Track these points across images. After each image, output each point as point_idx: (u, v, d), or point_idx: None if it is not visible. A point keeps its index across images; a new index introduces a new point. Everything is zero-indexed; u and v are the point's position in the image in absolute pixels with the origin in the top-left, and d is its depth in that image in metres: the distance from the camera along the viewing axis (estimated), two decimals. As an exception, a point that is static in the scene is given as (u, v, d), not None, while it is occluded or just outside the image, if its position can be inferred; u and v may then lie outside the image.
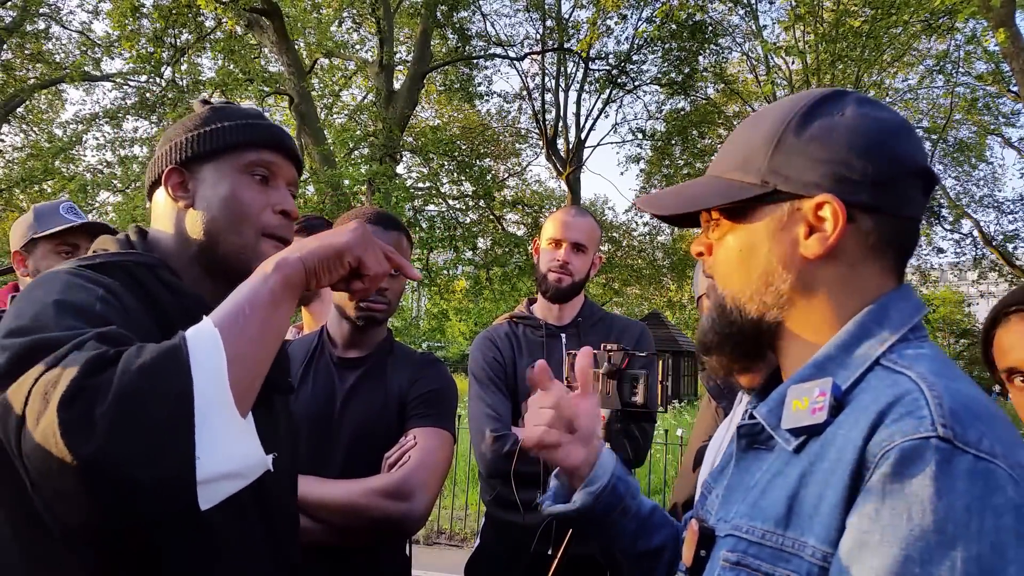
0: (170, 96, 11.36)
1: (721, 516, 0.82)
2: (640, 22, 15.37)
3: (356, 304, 1.64)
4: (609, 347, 1.84)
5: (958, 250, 18.28)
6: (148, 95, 13.05)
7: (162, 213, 1.09)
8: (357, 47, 15.37)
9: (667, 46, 15.43)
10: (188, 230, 1.06)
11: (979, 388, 0.72)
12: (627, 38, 15.89)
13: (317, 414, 1.63)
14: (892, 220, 0.77)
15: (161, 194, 1.09)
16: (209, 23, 12.11)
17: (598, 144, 26.90)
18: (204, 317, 0.84)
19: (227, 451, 0.75)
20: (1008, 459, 0.62)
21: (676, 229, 20.96)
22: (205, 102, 1.14)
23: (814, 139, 0.77)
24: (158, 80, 12.23)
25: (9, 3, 13.29)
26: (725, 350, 0.86)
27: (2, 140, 16.31)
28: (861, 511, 0.64)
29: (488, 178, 15.42)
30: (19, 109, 16.28)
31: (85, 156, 17.49)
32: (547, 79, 17.23)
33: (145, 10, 10.78)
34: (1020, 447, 0.65)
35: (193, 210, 1.06)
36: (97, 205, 14.48)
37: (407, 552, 1.77)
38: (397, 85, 13.70)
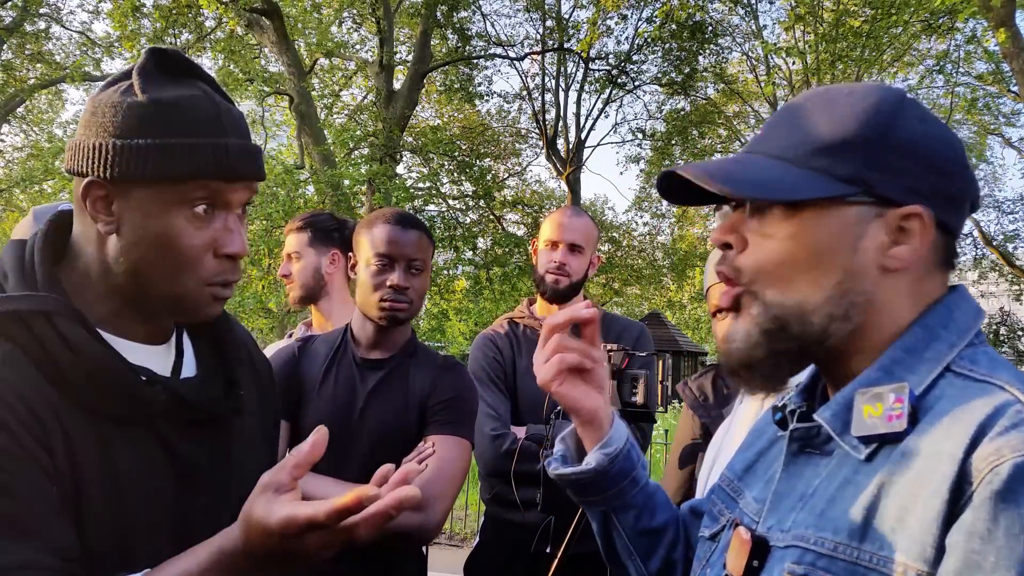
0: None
1: (773, 524, 0.76)
2: (640, 22, 15.37)
3: (378, 304, 1.64)
4: (609, 347, 1.84)
5: (958, 250, 18.26)
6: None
7: (82, 217, 0.90)
8: (357, 47, 15.39)
9: (667, 46, 15.42)
10: (110, 260, 0.88)
11: None
12: (627, 38, 15.90)
13: (338, 414, 1.62)
14: (951, 239, 0.75)
15: (80, 193, 0.90)
16: (209, 23, 12.11)
17: (598, 144, 26.90)
18: (130, 384, 0.82)
19: None
20: None
21: (676, 229, 20.99)
22: (144, 74, 0.88)
23: (913, 143, 0.72)
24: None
25: (9, 3, 13.29)
26: (779, 367, 0.76)
27: (2, 140, 16.34)
28: (970, 530, 0.59)
29: (488, 178, 15.42)
30: (19, 109, 16.29)
31: (85, 156, 17.45)
32: (547, 79, 17.25)
33: (146, 10, 10.78)
34: None
35: (117, 239, 0.87)
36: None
37: (424, 551, 1.77)
38: (397, 85, 13.70)
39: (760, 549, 0.75)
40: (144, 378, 0.89)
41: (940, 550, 0.61)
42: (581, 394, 0.93)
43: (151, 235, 0.87)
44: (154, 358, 0.94)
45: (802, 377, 0.85)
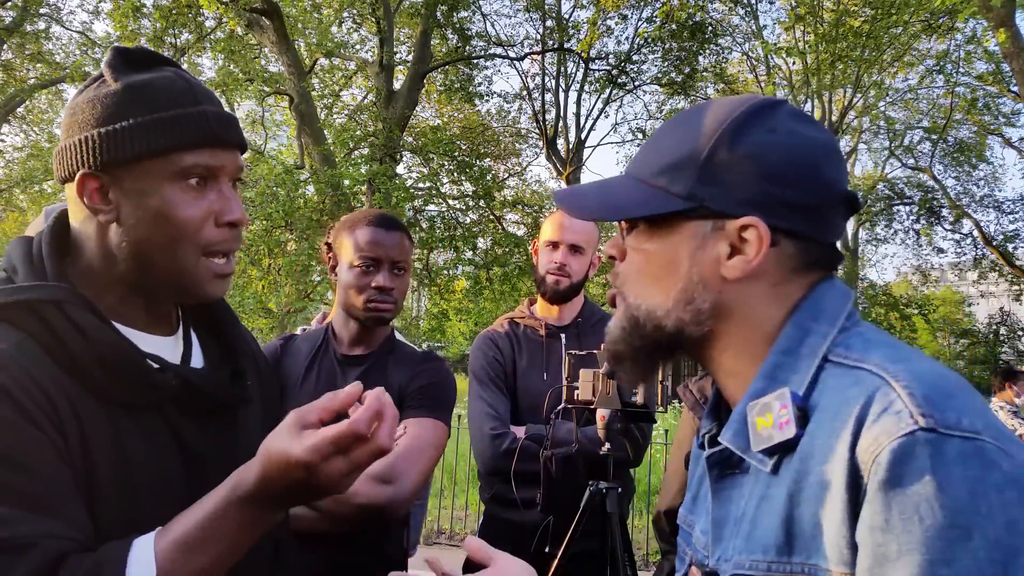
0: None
1: (720, 555, 0.77)
2: (640, 22, 15.37)
3: (363, 305, 1.68)
4: (609, 347, 1.83)
5: (958, 250, 18.25)
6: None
7: (79, 218, 0.92)
8: (357, 47, 15.37)
9: (667, 46, 15.41)
10: (113, 248, 0.90)
11: (930, 359, 0.72)
12: (627, 38, 15.90)
13: None
14: (815, 245, 0.76)
15: (73, 191, 0.91)
16: (209, 23, 12.11)
17: (598, 144, 26.97)
18: (141, 369, 0.84)
19: None
20: (989, 431, 0.61)
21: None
22: (113, 67, 0.91)
23: (746, 157, 0.74)
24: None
25: (9, 3, 13.29)
26: (639, 361, 0.83)
27: (2, 140, 16.32)
28: (870, 524, 0.61)
29: (488, 178, 15.40)
30: (19, 109, 16.29)
31: (85, 156, 17.44)
32: (547, 79, 17.24)
33: (146, 10, 10.78)
34: (988, 411, 0.65)
35: (118, 226, 0.89)
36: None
37: (404, 544, 1.78)
38: (397, 85, 13.69)
39: None
40: (155, 365, 0.91)
41: (854, 549, 0.63)
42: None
43: (150, 213, 0.88)
44: (164, 347, 0.96)
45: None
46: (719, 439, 0.77)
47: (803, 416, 0.69)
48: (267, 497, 0.81)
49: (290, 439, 0.79)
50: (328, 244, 1.83)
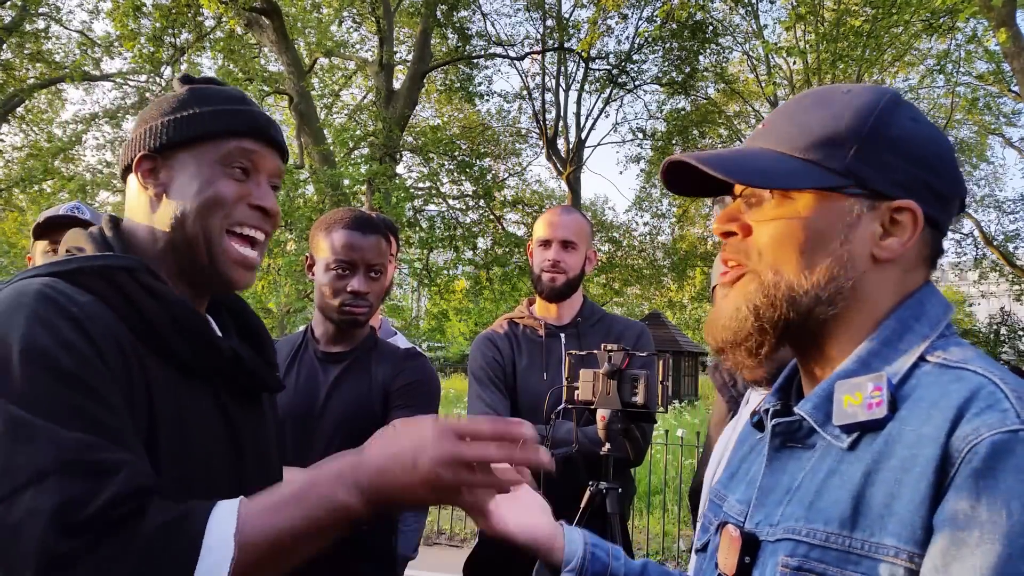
0: (161, 97, 11.36)
1: (761, 520, 0.77)
2: (641, 22, 15.38)
3: (338, 308, 1.69)
4: (609, 347, 1.83)
5: (959, 250, 18.27)
6: (148, 95, 13.05)
7: (134, 202, 1.02)
8: (357, 47, 15.38)
9: (667, 46, 15.42)
10: (157, 222, 0.99)
11: None
12: (627, 38, 15.91)
13: (301, 406, 1.68)
14: (939, 236, 0.79)
15: (133, 181, 1.02)
16: (209, 22, 12.10)
17: (598, 144, 27.00)
18: (208, 332, 0.86)
19: None
20: None
21: (676, 229, 20.97)
22: (186, 80, 1.06)
23: (904, 140, 0.75)
24: (158, 80, 12.22)
25: (9, 3, 13.28)
26: (763, 343, 0.79)
27: (2, 140, 16.31)
28: (953, 508, 0.62)
29: (488, 178, 15.41)
30: (19, 109, 16.28)
31: (85, 156, 17.52)
32: (547, 79, 17.24)
33: (146, 10, 10.77)
34: None
35: (165, 199, 0.98)
36: (97, 205, 14.48)
37: (391, 543, 1.78)
38: (397, 85, 13.69)
39: (750, 545, 0.76)
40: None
41: (929, 531, 0.63)
42: (519, 523, 0.98)
43: (194, 188, 0.98)
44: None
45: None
46: (796, 409, 0.78)
47: (892, 402, 0.70)
48: (375, 487, 0.81)
49: (431, 441, 0.80)
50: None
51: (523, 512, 1.00)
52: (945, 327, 0.76)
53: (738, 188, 0.82)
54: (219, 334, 1.04)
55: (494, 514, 0.95)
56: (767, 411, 0.83)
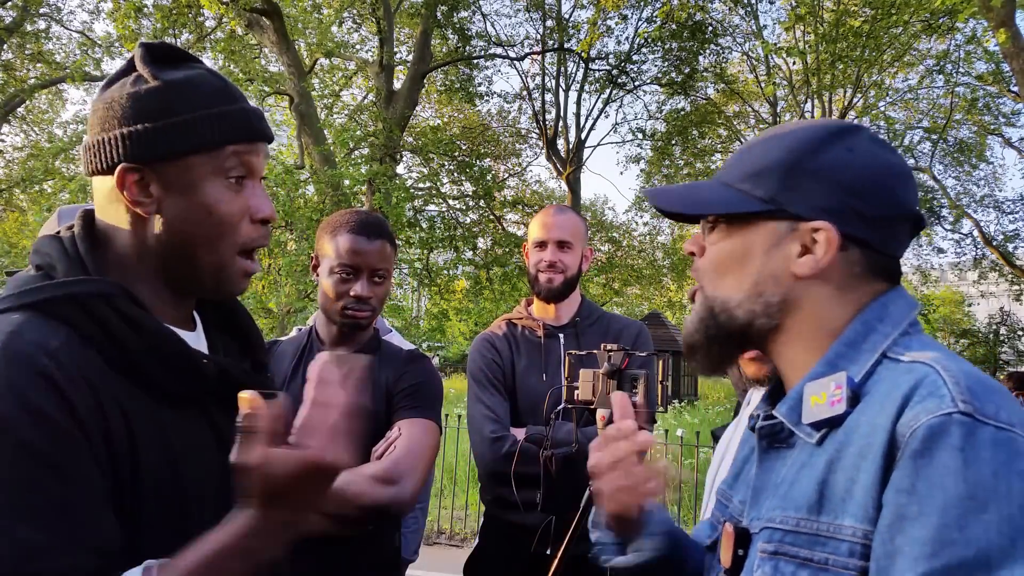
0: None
1: (754, 516, 0.85)
2: (640, 22, 15.37)
3: (341, 311, 1.70)
4: (609, 347, 1.84)
5: (958, 250, 18.25)
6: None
7: (113, 211, 0.93)
8: (357, 47, 15.36)
9: (667, 46, 15.41)
10: (150, 241, 0.91)
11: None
12: (627, 38, 15.90)
13: None
14: (877, 255, 0.84)
15: (106, 184, 0.92)
16: (209, 23, 12.10)
17: (598, 144, 26.92)
18: (191, 358, 0.84)
19: None
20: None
21: (676, 229, 20.97)
22: (148, 64, 0.92)
23: (825, 169, 0.83)
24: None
25: (9, 3, 13.29)
26: (712, 351, 0.90)
27: (2, 140, 16.32)
28: (897, 487, 0.68)
29: (488, 178, 15.40)
30: (19, 109, 16.28)
31: (85, 156, 17.43)
32: (547, 79, 17.24)
33: (146, 10, 10.77)
34: None
35: (159, 219, 0.90)
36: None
37: (396, 542, 1.79)
38: (397, 85, 13.69)
39: (742, 538, 0.85)
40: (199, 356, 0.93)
41: (879, 510, 0.70)
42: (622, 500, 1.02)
43: (193, 208, 0.90)
44: (192, 343, 0.97)
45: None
46: (774, 412, 0.85)
47: (854, 398, 0.77)
48: (262, 518, 0.79)
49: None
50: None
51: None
52: (909, 325, 0.82)
53: (711, 217, 0.91)
54: (204, 350, 1.00)
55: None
56: (760, 415, 0.90)
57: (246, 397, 0.77)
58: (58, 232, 0.95)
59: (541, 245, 2.22)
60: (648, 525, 1.01)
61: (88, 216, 0.97)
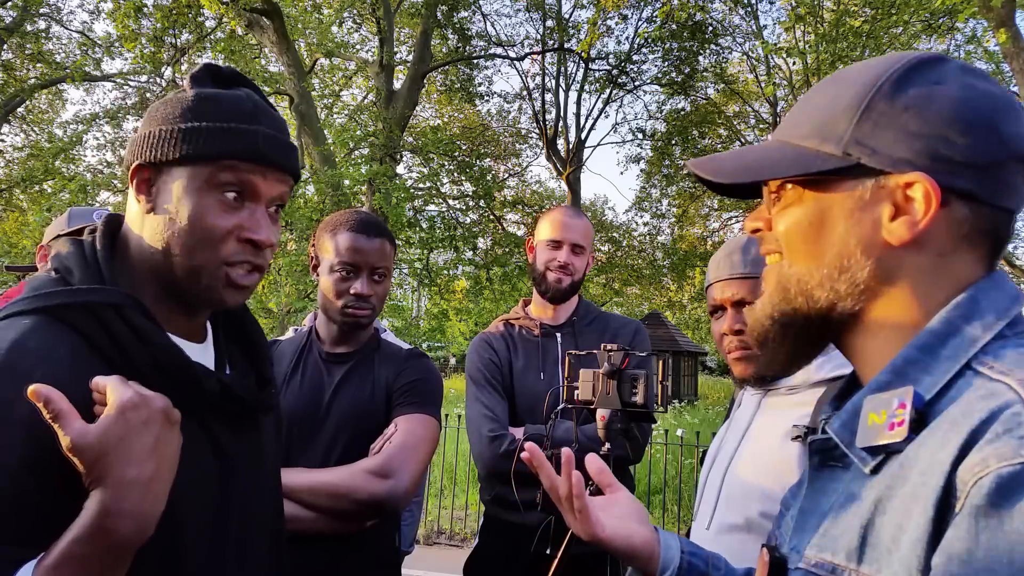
0: (170, 96, 11.36)
1: (795, 545, 0.73)
2: (640, 22, 15.40)
3: (341, 310, 1.70)
4: (608, 347, 1.84)
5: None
6: (148, 95, 13.06)
7: (131, 208, 0.97)
8: (357, 47, 15.38)
9: (667, 46, 15.43)
10: (147, 237, 0.93)
11: None
12: (627, 38, 15.98)
13: (306, 407, 1.69)
14: (988, 209, 0.67)
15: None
16: (209, 23, 12.11)
17: (598, 144, 26.95)
18: (192, 374, 0.85)
19: None
20: None
21: (676, 229, 20.97)
22: (196, 80, 0.96)
23: (909, 108, 0.67)
24: (158, 80, 12.24)
25: (9, 3, 13.29)
26: (784, 343, 0.74)
27: (2, 140, 16.33)
28: (949, 551, 0.54)
29: (488, 178, 15.42)
30: (19, 109, 16.29)
31: (85, 156, 17.55)
32: (547, 79, 17.26)
33: (147, 10, 10.78)
34: None
35: (153, 216, 0.93)
36: (97, 205, 14.48)
37: (396, 543, 1.79)
38: (397, 85, 13.69)
39: (777, 570, 0.73)
40: (202, 372, 0.93)
41: (926, 573, 0.56)
42: (616, 530, 0.96)
43: (181, 214, 0.91)
44: (198, 355, 0.98)
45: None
46: (825, 427, 0.71)
47: (920, 421, 0.62)
48: (108, 492, 0.76)
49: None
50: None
51: (620, 518, 0.97)
52: (1006, 326, 0.65)
53: (773, 184, 0.76)
54: (210, 363, 1.01)
55: (591, 519, 0.93)
56: (823, 421, 0.75)
57: (32, 391, 0.75)
58: (82, 234, 0.97)
59: (556, 245, 2.21)
60: (663, 566, 0.94)
61: (111, 221, 0.99)
